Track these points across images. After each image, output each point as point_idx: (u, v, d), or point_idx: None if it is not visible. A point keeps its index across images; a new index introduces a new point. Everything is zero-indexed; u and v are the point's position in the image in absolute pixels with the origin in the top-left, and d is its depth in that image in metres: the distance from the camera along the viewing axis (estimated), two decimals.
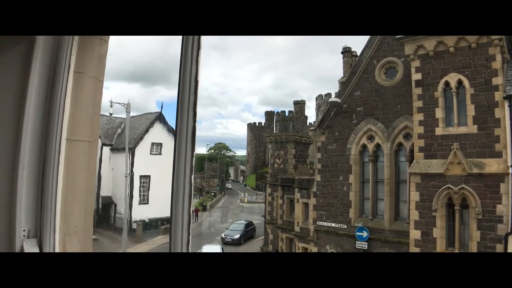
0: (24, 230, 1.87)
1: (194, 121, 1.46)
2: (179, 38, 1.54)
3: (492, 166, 13.88)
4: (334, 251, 20.55)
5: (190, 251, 1.48)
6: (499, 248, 13.47)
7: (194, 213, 48.19)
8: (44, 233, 1.89)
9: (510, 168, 13.52)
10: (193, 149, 1.46)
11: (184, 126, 1.46)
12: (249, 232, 37.21)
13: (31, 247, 1.84)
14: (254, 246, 33.52)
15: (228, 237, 34.38)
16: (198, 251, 30.57)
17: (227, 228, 37.32)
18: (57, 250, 1.91)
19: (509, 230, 13.37)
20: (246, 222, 38.65)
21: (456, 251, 14.54)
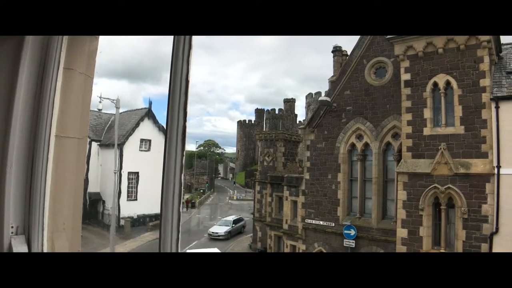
0: (12, 227, 1.86)
1: (185, 120, 1.46)
2: (167, 37, 1.55)
3: (478, 166, 14.07)
4: (322, 249, 20.67)
5: (179, 249, 1.49)
6: (484, 247, 13.68)
7: (185, 204, 48.63)
8: (32, 230, 1.88)
9: (495, 169, 13.73)
10: (183, 149, 1.46)
11: (174, 126, 1.47)
12: (237, 228, 37.31)
13: (19, 244, 1.83)
14: (243, 244, 33.55)
15: (215, 233, 34.54)
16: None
17: (216, 224, 37.32)
18: (45, 247, 1.90)
19: (494, 230, 13.58)
20: (234, 217, 38.70)
21: (442, 250, 14.73)
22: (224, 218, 39.06)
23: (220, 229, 35.17)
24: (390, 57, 18.73)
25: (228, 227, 35.80)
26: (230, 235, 35.32)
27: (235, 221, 37.69)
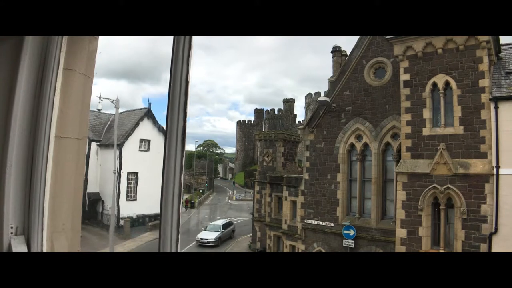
0: (11, 228, 1.86)
1: (185, 121, 1.46)
2: (165, 37, 1.55)
3: (477, 166, 14.08)
4: (321, 249, 20.68)
5: (179, 249, 1.49)
6: (483, 247, 13.69)
7: (184, 204, 48.66)
8: (32, 230, 1.88)
9: (494, 169, 13.74)
10: (183, 149, 1.47)
11: (174, 126, 1.47)
12: (227, 233, 34.95)
13: (18, 244, 1.83)
14: (242, 244, 33.56)
15: (204, 240, 32.24)
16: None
17: (203, 229, 34.62)
18: (45, 248, 1.90)
19: (493, 230, 13.59)
20: (224, 222, 35.87)
21: (441, 250, 14.74)
22: (213, 223, 36.08)
23: (209, 235, 32.67)
24: (389, 57, 18.74)
25: (218, 233, 33.25)
26: (221, 241, 33.07)
27: (225, 226, 34.85)
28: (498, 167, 13.71)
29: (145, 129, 37.51)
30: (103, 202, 37.14)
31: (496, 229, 13.56)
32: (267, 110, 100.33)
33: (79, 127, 2.19)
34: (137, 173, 36.66)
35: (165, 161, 1.47)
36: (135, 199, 36.67)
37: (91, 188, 36.13)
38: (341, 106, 20.71)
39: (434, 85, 15.36)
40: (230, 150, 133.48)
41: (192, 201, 55.14)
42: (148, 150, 37.53)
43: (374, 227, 18.89)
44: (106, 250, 22.69)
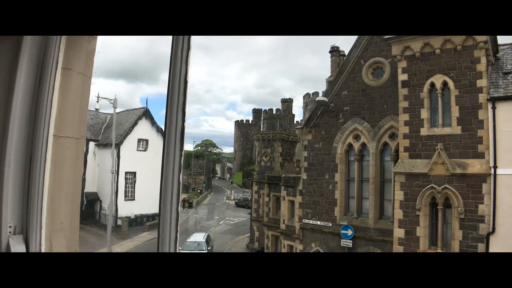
0: (10, 227, 1.86)
1: (183, 121, 1.47)
2: (164, 37, 1.55)
3: (474, 166, 14.11)
4: (319, 249, 20.69)
5: (178, 248, 1.50)
6: (481, 247, 13.72)
7: (182, 203, 48.54)
8: (30, 229, 1.88)
9: (492, 169, 13.77)
10: (181, 149, 1.47)
11: (173, 126, 1.48)
12: (210, 250, 28.26)
13: (17, 244, 1.83)
14: (240, 244, 33.56)
15: None
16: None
17: (180, 248, 26.03)
18: (43, 247, 1.90)
19: (491, 230, 13.63)
20: (204, 236, 29.09)
21: (438, 250, 14.77)
22: (191, 239, 28.22)
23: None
24: (387, 57, 18.76)
25: (204, 251, 26.30)
26: None
27: (207, 241, 28.28)
28: (495, 167, 13.75)
29: (143, 129, 37.46)
30: (101, 201, 37.07)
31: (494, 229, 13.59)
32: (265, 110, 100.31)
33: (77, 126, 2.19)
34: (135, 172, 36.61)
35: (163, 160, 1.47)
36: (133, 199, 36.61)
37: (89, 188, 36.05)
38: (339, 106, 20.73)
39: (432, 85, 15.38)
40: (228, 150, 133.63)
41: (190, 201, 55.11)
42: (146, 149, 37.48)
43: (372, 227, 18.92)
44: (104, 250, 22.67)
